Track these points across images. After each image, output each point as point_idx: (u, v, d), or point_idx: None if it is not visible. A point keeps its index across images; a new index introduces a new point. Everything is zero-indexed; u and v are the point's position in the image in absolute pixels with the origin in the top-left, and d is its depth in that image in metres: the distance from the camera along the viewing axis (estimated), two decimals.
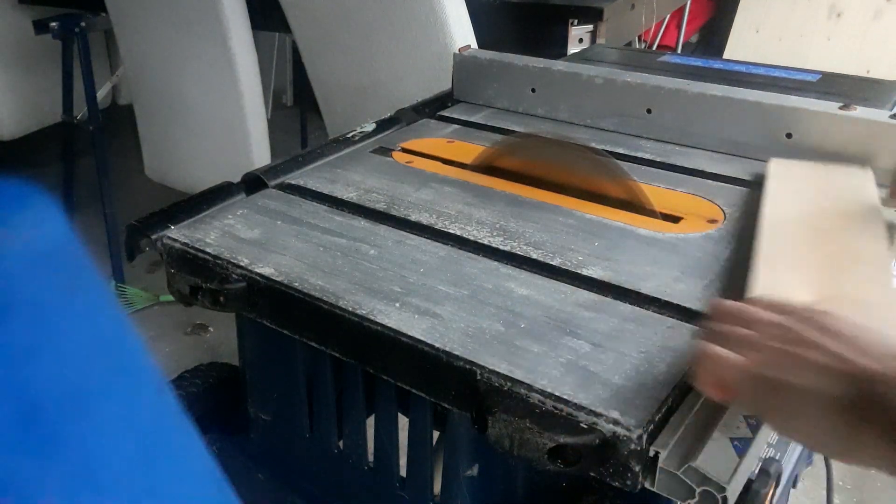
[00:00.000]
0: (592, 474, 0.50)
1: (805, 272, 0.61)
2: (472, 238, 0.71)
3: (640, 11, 1.69)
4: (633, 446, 0.48)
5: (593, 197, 0.79)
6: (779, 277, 0.60)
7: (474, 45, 1.35)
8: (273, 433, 0.78)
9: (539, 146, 0.86)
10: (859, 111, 0.82)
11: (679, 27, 3.00)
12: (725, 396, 0.48)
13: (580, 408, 0.49)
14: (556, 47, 1.45)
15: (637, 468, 0.48)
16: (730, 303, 0.52)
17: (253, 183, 0.82)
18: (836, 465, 0.98)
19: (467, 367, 0.54)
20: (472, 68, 1.06)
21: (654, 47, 2.96)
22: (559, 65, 1.03)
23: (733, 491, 0.47)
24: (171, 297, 0.90)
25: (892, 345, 0.44)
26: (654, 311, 0.60)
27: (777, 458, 0.57)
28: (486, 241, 0.71)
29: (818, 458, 0.87)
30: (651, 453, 0.48)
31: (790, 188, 0.77)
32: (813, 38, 2.90)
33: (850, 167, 0.80)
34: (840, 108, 0.83)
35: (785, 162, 0.83)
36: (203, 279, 0.66)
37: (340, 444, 0.73)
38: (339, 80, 1.60)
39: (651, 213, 0.76)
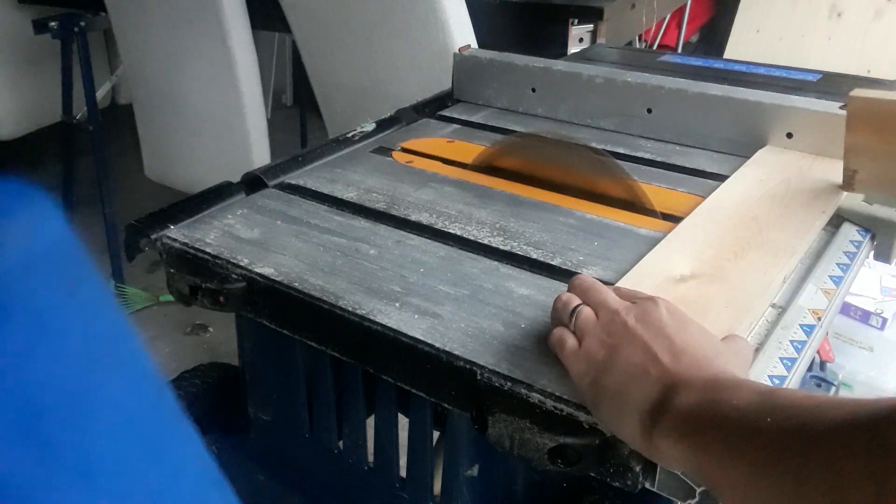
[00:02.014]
0: (592, 474, 0.50)
1: (697, 254, 0.64)
2: (472, 238, 0.71)
3: (641, 11, 1.69)
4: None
5: (593, 197, 0.79)
6: (667, 256, 0.64)
7: (474, 44, 1.35)
8: (273, 433, 0.78)
9: (539, 146, 0.86)
10: None
11: (679, 27, 3.00)
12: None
13: (580, 407, 0.49)
14: (556, 47, 1.45)
15: (637, 468, 0.48)
16: (587, 281, 0.54)
17: (253, 183, 0.82)
18: None
19: (467, 367, 0.54)
20: (472, 68, 1.06)
21: (655, 47, 2.96)
22: (559, 64, 1.03)
23: None
24: (170, 297, 0.90)
25: (705, 351, 0.46)
26: None
27: None
28: (486, 241, 0.71)
29: None
30: None
31: (756, 174, 0.80)
32: (813, 38, 2.90)
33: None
34: (840, 107, 0.83)
35: (775, 150, 0.85)
36: (203, 279, 0.66)
37: (340, 444, 0.73)
38: (339, 80, 1.60)
39: (651, 212, 0.76)
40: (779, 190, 0.76)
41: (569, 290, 0.54)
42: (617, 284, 0.59)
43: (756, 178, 0.79)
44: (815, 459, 0.36)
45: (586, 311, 0.51)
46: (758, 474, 0.38)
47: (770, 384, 0.55)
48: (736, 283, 0.61)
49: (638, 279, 0.62)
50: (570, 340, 0.50)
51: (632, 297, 0.52)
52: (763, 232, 0.69)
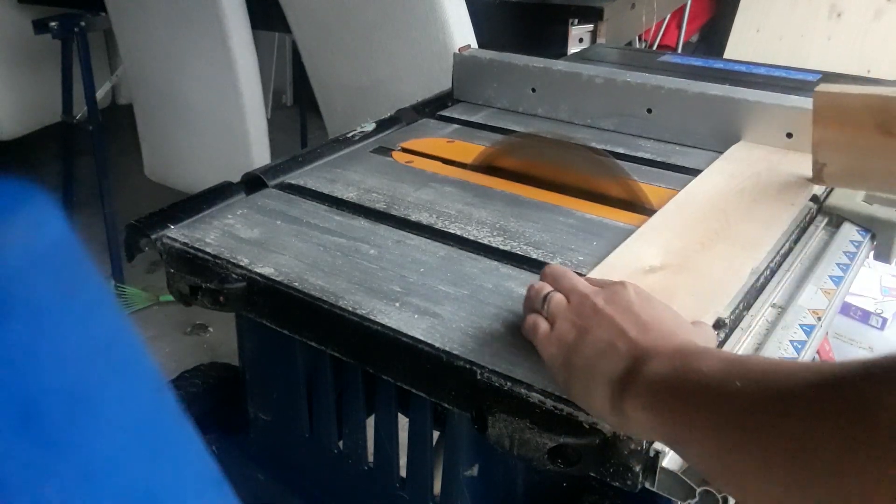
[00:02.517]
0: (592, 474, 0.50)
1: (666, 245, 0.66)
2: (472, 238, 0.71)
3: (641, 11, 1.69)
4: (633, 446, 0.48)
5: (593, 197, 0.79)
6: (637, 248, 0.66)
7: (474, 44, 1.35)
8: (273, 433, 0.78)
9: (539, 146, 0.86)
10: None
11: (679, 27, 3.00)
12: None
13: (580, 407, 0.49)
14: (556, 47, 1.45)
15: (637, 468, 0.48)
16: (559, 269, 0.55)
17: (253, 183, 0.82)
18: None
19: (467, 367, 0.54)
20: (472, 68, 1.06)
21: (655, 47, 2.96)
22: (559, 65, 1.03)
23: None
24: (170, 297, 0.90)
25: (670, 325, 0.48)
26: None
27: None
28: (486, 241, 0.71)
29: None
30: (651, 453, 0.48)
31: (729, 168, 0.81)
32: (813, 38, 2.90)
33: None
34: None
35: (749, 146, 0.87)
36: (203, 279, 0.66)
37: (340, 444, 0.73)
38: (339, 80, 1.60)
39: (651, 212, 0.76)
40: (748, 183, 0.78)
41: (541, 279, 0.56)
42: (588, 276, 0.59)
43: (728, 173, 0.80)
44: (782, 421, 0.36)
45: (557, 297, 0.52)
46: (726, 438, 0.39)
47: None
48: (702, 273, 0.63)
49: (608, 270, 0.63)
50: (543, 325, 0.52)
51: (601, 284, 0.53)
52: (731, 224, 0.70)
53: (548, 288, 0.54)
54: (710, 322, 0.58)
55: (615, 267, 0.63)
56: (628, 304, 0.49)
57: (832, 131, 0.72)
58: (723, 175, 0.80)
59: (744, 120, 0.88)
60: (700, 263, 0.64)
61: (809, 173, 0.77)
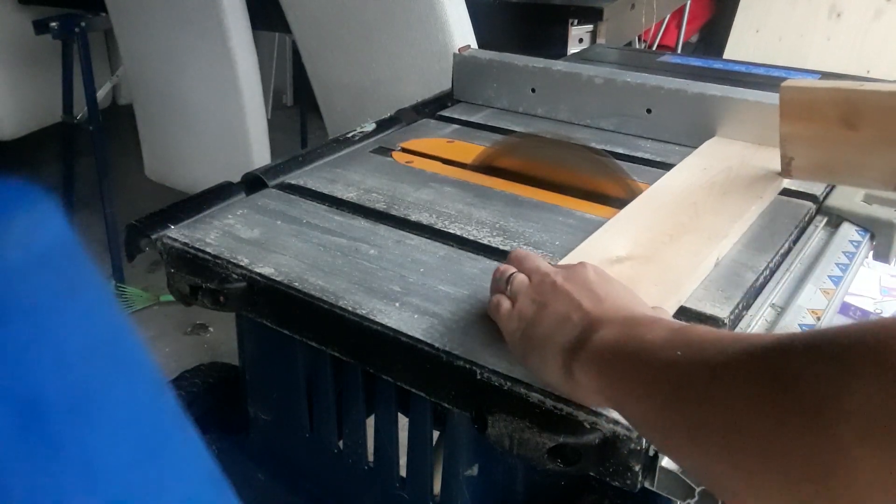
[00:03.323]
0: (592, 474, 0.50)
1: (635, 237, 0.68)
2: (472, 238, 0.71)
3: (640, 11, 1.69)
4: (633, 445, 0.48)
5: (593, 197, 0.79)
6: (606, 239, 0.68)
7: (474, 45, 1.35)
8: (273, 433, 0.79)
9: (539, 146, 0.86)
10: None
11: (679, 27, 3.00)
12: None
13: (580, 407, 0.49)
14: (556, 47, 1.45)
15: (637, 468, 0.48)
16: (522, 252, 0.58)
17: (253, 183, 0.82)
18: None
19: (467, 366, 0.54)
20: (471, 68, 1.06)
21: (654, 47, 2.96)
22: (559, 65, 1.03)
23: None
24: (171, 297, 0.90)
25: (625, 299, 0.50)
26: None
27: None
28: (486, 241, 0.71)
29: None
30: (651, 452, 0.48)
31: (702, 163, 0.83)
32: (813, 38, 2.90)
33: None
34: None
35: (723, 140, 0.89)
36: (203, 279, 0.66)
37: (340, 444, 0.73)
38: (339, 80, 1.60)
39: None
40: (720, 177, 0.79)
41: (506, 262, 0.58)
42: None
43: (700, 167, 0.82)
44: (716, 390, 0.36)
45: (520, 277, 0.55)
46: (667, 406, 0.39)
47: None
48: (668, 263, 0.64)
49: (576, 260, 0.63)
50: (505, 303, 0.54)
51: (563, 266, 0.55)
52: (700, 216, 0.71)
53: (512, 269, 0.56)
54: (672, 310, 0.59)
55: (583, 257, 0.64)
56: (585, 281, 0.51)
57: (799, 125, 0.74)
58: (695, 169, 0.81)
59: (722, 117, 0.90)
60: (666, 254, 0.65)
61: (778, 167, 0.79)
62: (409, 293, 0.62)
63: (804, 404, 0.31)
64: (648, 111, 0.94)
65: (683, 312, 0.60)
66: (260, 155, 1.74)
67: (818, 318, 0.62)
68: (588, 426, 0.49)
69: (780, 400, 0.33)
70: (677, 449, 0.40)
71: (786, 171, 0.77)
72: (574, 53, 1.41)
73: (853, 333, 0.32)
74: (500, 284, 0.56)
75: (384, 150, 0.92)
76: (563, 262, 0.64)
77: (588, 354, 0.45)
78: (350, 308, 0.60)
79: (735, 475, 0.35)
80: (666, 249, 0.66)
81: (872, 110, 0.69)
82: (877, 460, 0.28)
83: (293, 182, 0.83)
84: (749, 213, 0.73)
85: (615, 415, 0.48)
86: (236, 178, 0.83)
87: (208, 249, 0.68)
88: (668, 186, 0.78)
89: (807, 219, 0.76)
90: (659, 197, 0.75)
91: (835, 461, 0.30)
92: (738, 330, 0.60)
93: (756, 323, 0.61)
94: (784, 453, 0.32)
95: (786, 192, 0.80)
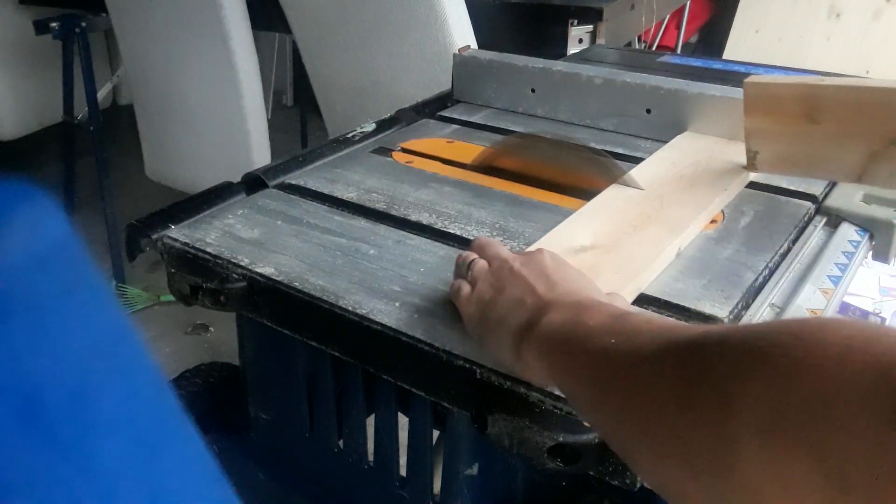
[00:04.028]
0: (592, 473, 0.50)
1: (600, 228, 0.69)
2: (472, 238, 0.71)
3: (640, 12, 1.69)
4: None
5: (593, 197, 0.79)
6: (571, 230, 0.70)
7: (474, 45, 1.35)
8: (273, 433, 0.79)
9: (539, 146, 0.86)
10: None
11: (679, 27, 3.00)
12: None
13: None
14: (556, 47, 1.45)
15: None
16: (485, 239, 0.60)
17: (253, 183, 0.82)
18: None
19: (467, 366, 0.54)
20: (471, 68, 1.07)
21: (654, 47, 2.96)
22: (559, 65, 1.03)
23: None
24: (171, 297, 0.90)
25: (578, 284, 0.51)
26: (654, 311, 0.60)
27: None
28: None
29: None
30: None
31: (671, 156, 0.84)
32: (812, 38, 2.90)
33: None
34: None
35: (693, 135, 0.90)
36: (203, 279, 0.66)
37: (340, 443, 0.73)
38: (339, 80, 1.60)
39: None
40: (688, 171, 0.81)
41: (469, 249, 0.60)
42: None
43: (670, 160, 0.83)
44: (639, 378, 0.38)
45: (480, 263, 0.57)
46: (600, 391, 0.41)
47: None
48: (629, 252, 0.65)
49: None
50: (466, 288, 0.56)
51: (523, 253, 0.57)
52: (665, 208, 0.73)
53: (473, 255, 0.58)
54: (631, 297, 0.61)
55: (548, 246, 0.64)
56: (542, 267, 0.52)
57: (763, 120, 0.75)
58: (665, 162, 0.83)
59: (692, 112, 0.92)
60: (628, 244, 0.67)
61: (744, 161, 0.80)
62: (409, 293, 0.62)
63: (709, 398, 0.32)
64: (648, 111, 0.94)
65: (684, 313, 0.60)
66: (260, 155, 1.74)
67: None
68: (588, 425, 0.49)
69: (689, 392, 0.33)
70: (606, 431, 0.42)
71: (751, 165, 0.79)
72: (574, 53, 1.41)
73: (761, 332, 0.32)
74: (462, 270, 0.58)
75: (384, 151, 0.92)
76: (528, 250, 0.65)
77: (536, 336, 0.47)
78: (350, 308, 0.60)
79: (652, 462, 0.37)
80: (628, 240, 0.68)
81: (833, 105, 0.70)
82: (767, 459, 0.29)
83: (293, 182, 0.83)
84: (713, 205, 0.74)
85: None
86: (236, 178, 0.83)
87: (209, 249, 0.68)
88: (637, 179, 0.79)
89: (806, 219, 0.76)
90: (626, 189, 0.77)
91: (731, 456, 0.30)
92: None
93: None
94: (689, 444, 0.33)
95: (785, 192, 0.80)
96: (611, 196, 0.76)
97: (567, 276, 0.52)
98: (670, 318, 0.59)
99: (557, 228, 0.70)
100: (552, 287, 0.50)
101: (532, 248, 0.66)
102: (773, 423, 0.29)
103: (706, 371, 0.33)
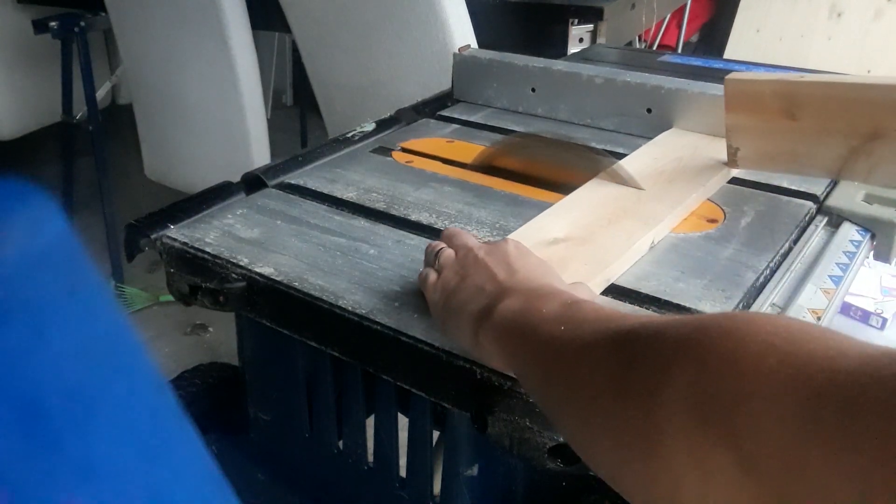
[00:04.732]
0: (592, 473, 0.50)
1: (576, 220, 0.70)
2: None
3: (641, 11, 1.69)
4: None
5: None
6: (547, 222, 0.71)
7: (474, 44, 1.35)
8: (273, 433, 0.79)
9: (539, 146, 0.86)
10: None
11: (679, 27, 3.00)
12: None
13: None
14: (556, 47, 1.45)
15: None
16: (454, 230, 0.62)
17: (252, 183, 0.82)
18: None
19: (467, 366, 0.54)
20: (471, 68, 1.06)
21: (655, 47, 2.96)
22: (559, 65, 1.03)
23: None
24: (170, 297, 0.90)
25: (538, 272, 0.52)
26: (654, 311, 0.60)
27: None
28: (486, 241, 0.71)
29: None
30: None
31: (653, 152, 0.85)
32: (813, 38, 2.90)
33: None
34: None
35: (679, 132, 0.91)
36: (203, 279, 0.66)
37: (340, 444, 0.73)
38: (339, 80, 1.60)
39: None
40: (669, 166, 0.81)
41: (438, 239, 0.62)
42: None
43: (652, 156, 0.84)
44: (580, 368, 0.39)
45: (447, 252, 0.58)
46: (547, 377, 0.42)
47: None
48: (602, 244, 0.66)
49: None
50: (432, 275, 0.57)
51: (486, 242, 0.59)
52: (642, 202, 0.74)
53: (441, 245, 0.60)
54: (599, 288, 0.61)
55: (522, 238, 0.65)
56: (505, 255, 0.54)
57: (743, 117, 0.76)
58: (647, 158, 0.83)
59: (678, 109, 0.92)
60: (602, 237, 0.68)
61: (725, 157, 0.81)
62: (409, 293, 0.62)
63: (640, 387, 0.34)
64: (649, 111, 0.94)
65: (684, 313, 0.60)
66: (260, 155, 1.74)
67: (818, 318, 0.62)
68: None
69: (623, 381, 0.35)
70: (551, 414, 0.43)
71: (732, 161, 0.80)
72: (574, 53, 1.41)
73: (692, 325, 0.33)
74: (430, 258, 0.59)
75: (384, 150, 0.92)
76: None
77: (492, 321, 0.48)
78: (350, 308, 0.60)
79: (589, 446, 0.38)
80: (602, 232, 0.68)
81: (811, 101, 0.71)
82: (689, 448, 0.30)
83: (293, 182, 0.83)
84: (690, 200, 0.75)
85: None
86: (236, 178, 0.83)
87: (208, 249, 0.68)
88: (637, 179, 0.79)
89: (807, 219, 0.76)
90: (606, 184, 0.78)
91: (657, 444, 0.32)
92: None
93: None
94: (621, 430, 0.34)
95: (786, 192, 0.80)
96: (590, 190, 0.77)
97: (528, 265, 0.53)
98: (623, 307, 0.60)
99: (533, 221, 0.71)
100: (512, 274, 0.51)
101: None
102: (696, 414, 0.30)
103: (639, 361, 0.34)
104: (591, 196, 0.75)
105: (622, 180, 0.78)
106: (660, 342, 0.34)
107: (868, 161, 0.70)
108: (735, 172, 0.82)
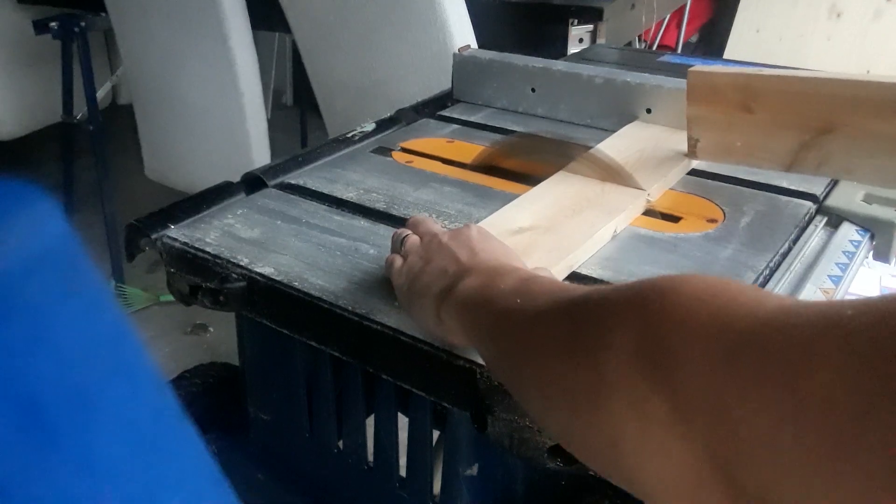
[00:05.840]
0: (592, 473, 0.50)
1: (541, 211, 0.72)
2: None
3: (640, 11, 1.69)
4: None
5: None
6: (513, 213, 0.72)
7: (474, 44, 1.35)
8: (273, 433, 0.79)
9: (539, 146, 0.86)
10: None
11: (679, 27, 2.99)
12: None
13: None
14: (556, 47, 1.45)
15: None
16: (419, 217, 0.64)
17: (253, 182, 0.82)
18: None
19: (467, 366, 0.54)
20: (471, 68, 1.06)
21: (654, 47, 2.96)
22: (559, 65, 1.03)
23: None
24: (170, 297, 0.90)
25: (499, 253, 0.54)
26: None
27: None
28: None
29: None
30: None
31: (620, 144, 0.87)
32: (813, 38, 2.90)
33: None
34: None
35: (642, 124, 0.93)
36: (203, 279, 0.66)
37: (340, 444, 0.73)
38: (339, 80, 1.60)
39: (650, 212, 0.76)
40: (632, 158, 0.83)
41: (404, 227, 0.63)
42: None
43: (617, 148, 0.85)
44: (533, 335, 0.41)
45: (413, 238, 0.60)
46: (503, 347, 0.45)
47: None
48: (565, 233, 0.68)
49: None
50: (398, 261, 0.59)
51: (450, 229, 0.60)
52: (605, 193, 0.76)
53: (407, 232, 0.62)
54: (562, 274, 0.63)
55: (488, 227, 0.65)
56: (468, 239, 0.55)
57: (704, 109, 0.78)
58: (612, 150, 0.84)
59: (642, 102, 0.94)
60: (565, 226, 0.69)
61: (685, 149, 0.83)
62: None
63: (586, 345, 0.36)
64: (649, 111, 0.94)
65: None
66: (260, 155, 1.74)
67: None
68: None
69: (573, 341, 0.37)
70: (507, 382, 0.46)
71: (692, 152, 0.81)
72: (574, 53, 1.41)
73: (635, 288, 0.36)
74: (396, 245, 0.61)
75: (384, 150, 0.92)
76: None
77: (454, 299, 0.50)
78: (350, 307, 0.60)
79: (543, 407, 0.41)
80: (567, 222, 0.70)
81: (767, 94, 0.72)
82: (630, 398, 0.32)
83: (293, 182, 0.83)
84: (652, 190, 0.77)
85: None
86: (236, 178, 0.83)
87: (208, 249, 0.68)
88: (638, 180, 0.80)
89: (807, 219, 0.76)
90: (571, 175, 0.80)
91: (603, 396, 0.34)
92: None
93: None
94: (571, 389, 0.37)
95: (786, 192, 0.80)
96: (555, 182, 0.78)
97: (490, 247, 0.55)
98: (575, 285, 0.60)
99: (500, 211, 0.72)
100: (474, 255, 0.53)
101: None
102: (637, 365, 0.32)
103: (587, 323, 0.37)
104: (556, 188, 0.77)
105: (622, 180, 0.78)
106: (606, 304, 0.37)
107: (818, 155, 0.72)
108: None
